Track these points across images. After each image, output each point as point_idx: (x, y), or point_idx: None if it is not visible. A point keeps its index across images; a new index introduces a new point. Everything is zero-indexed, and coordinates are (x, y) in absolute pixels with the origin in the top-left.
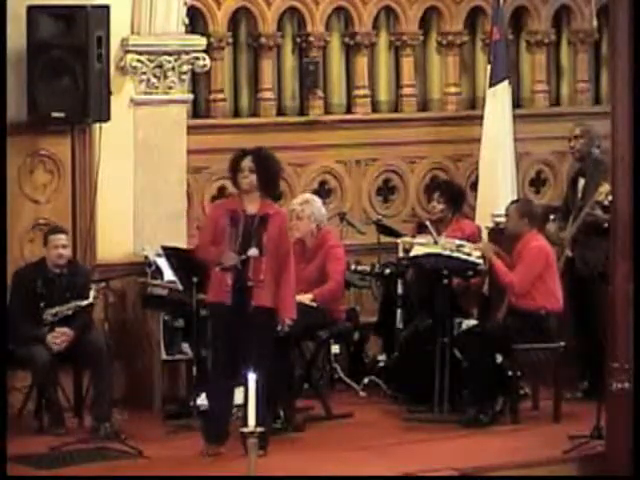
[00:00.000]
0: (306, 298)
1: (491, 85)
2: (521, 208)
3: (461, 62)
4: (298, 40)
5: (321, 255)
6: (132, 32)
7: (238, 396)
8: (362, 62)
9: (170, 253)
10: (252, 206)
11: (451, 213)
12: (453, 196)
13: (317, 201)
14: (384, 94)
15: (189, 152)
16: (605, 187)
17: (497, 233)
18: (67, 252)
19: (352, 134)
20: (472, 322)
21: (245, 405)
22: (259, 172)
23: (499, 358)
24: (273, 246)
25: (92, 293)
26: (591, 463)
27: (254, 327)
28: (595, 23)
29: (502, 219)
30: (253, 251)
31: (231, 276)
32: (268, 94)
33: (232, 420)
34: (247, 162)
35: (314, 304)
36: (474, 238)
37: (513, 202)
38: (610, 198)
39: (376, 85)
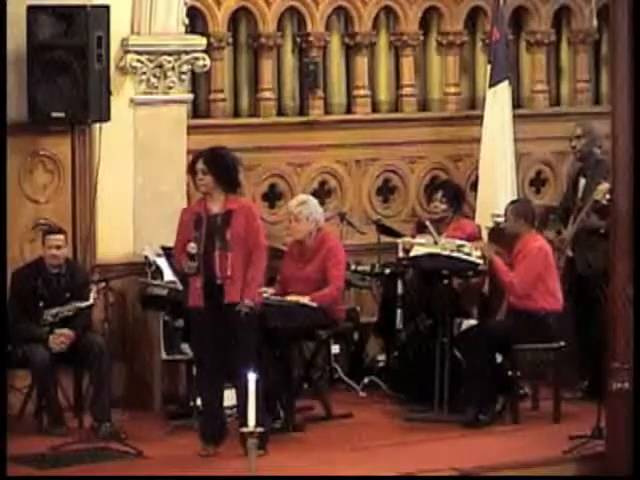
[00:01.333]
0: (305, 301)
1: (491, 85)
2: (518, 209)
3: (461, 62)
4: (298, 40)
5: (321, 256)
6: (132, 32)
7: (230, 397)
8: (362, 62)
9: (170, 253)
10: (216, 205)
11: (452, 213)
12: (455, 196)
13: (313, 201)
14: (384, 94)
15: (189, 152)
16: (604, 186)
17: (497, 233)
18: (62, 253)
19: (352, 134)
20: (472, 322)
21: (240, 405)
22: (212, 172)
23: (499, 358)
24: (239, 241)
25: (92, 294)
26: (591, 463)
27: (231, 324)
28: (595, 23)
29: (502, 219)
30: (190, 246)
31: (200, 279)
32: (268, 94)
33: (228, 420)
34: (199, 164)
35: (314, 304)
36: (474, 238)
37: (511, 203)
38: (608, 197)
39: (376, 85)
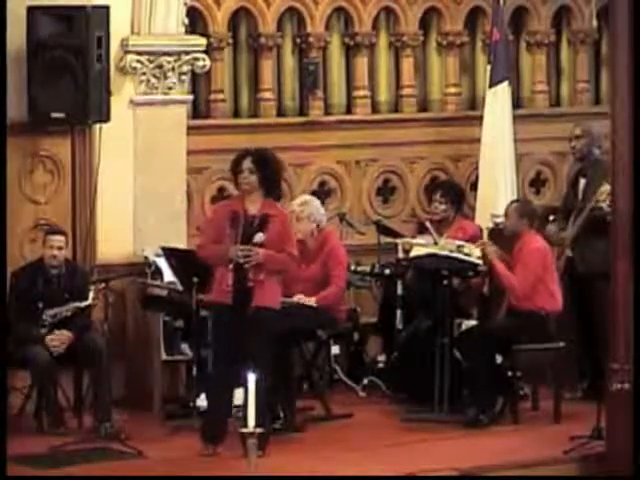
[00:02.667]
0: (308, 302)
1: (491, 85)
2: (521, 208)
3: (461, 62)
4: (298, 40)
5: (322, 256)
6: (132, 32)
7: (238, 397)
8: (362, 62)
9: (170, 253)
10: (253, 206)
11: (453, 213)
12: (455, 196)
13: (315, 201)
14: (384, 94)
15: (189, 152)
16: (606, 187)
17: (497, 233)
18: (62, 254)
19: (352, 134)
20: (472, 322)
21: (245, 405)
22: (259, 172)
23: (499, 358)
24: (273, 247)
25: (91, 294)
26: (591, 463)
27: (254, 327)
28: (595, 23)
29: (502, 219)
30: (259, 237)
31: (232, 276)
32: (268, 94)
33: (232, 420)
34: (247, 163)
35: (314, 304)
36: (476, 238)
37: (513, 202)
38: (611, 199)
39: (376, 85)
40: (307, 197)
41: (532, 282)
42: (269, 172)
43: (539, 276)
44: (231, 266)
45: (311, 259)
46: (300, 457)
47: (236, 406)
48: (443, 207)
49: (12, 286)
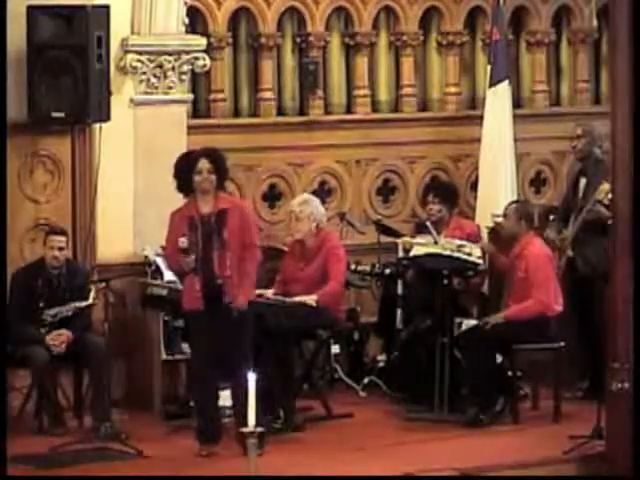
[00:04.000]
0: (309, 300)
1: (491, 85)
2: (520, 210)
3: (461, 62)
4: (298, 40)
5: (322, 256)
6: (132, 32)
7: (226, 398)
8: (362, 62)
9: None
10: (207, 206)
11: (447, 211)
12: (447, 194)
13: (315, 201)
14: (384, 94)
15: None
16: (606, 186)
17: (497, 233)
18: (63, 254)
19: (352, 134)
20: (472, 322)
21: (237, 406)
22: (217, 171)
23: (499, 358)
24: (235, 240)
25: (91, 294)
26: (591, 463)
27: (230, 324)
28: (595, 23)
29: (501, 219)
30: (181, 241)
31: (199, 280)
32: (268, 94)
33: (227, 421)
34: (204, 163)
35: (314, 304)
36: (474, 237)
37: (511, 203)
38: (610, 197)
39: (376, 85)
40: (306, 196)
41: (552, 288)
42: (225, 169)
43: (554, 280)
44: (191, 266)
45: (310, 258)
46: (300, 457)
47: (228, 407)
48: (438, 207)
49: (13, 286)
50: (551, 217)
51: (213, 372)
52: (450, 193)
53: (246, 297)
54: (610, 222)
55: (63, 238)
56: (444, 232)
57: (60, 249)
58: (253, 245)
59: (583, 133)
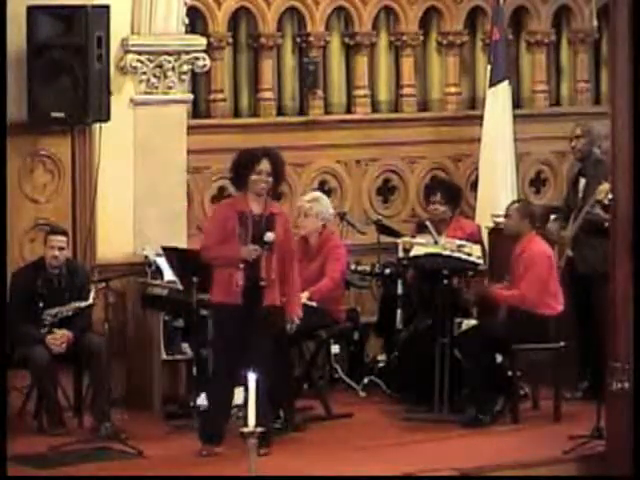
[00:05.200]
0: (303, 296)
1: (491, 85)
2: (523, 209)
3: (461, 62)
4: (298, 40)
5: (323, 254)
6: (132, 32)
7: (238, 396)
8: (362, 62)
9: (170, 253)
10: (258, 206)
11: (451, 212)
12: (452, 195)
13: (326, 200)
14: (384, 94)
15: (189, 152)
16: (605, 186)
17: (497, 233)
18: (63, 254)
19: (352, 134)
20: (472, 322)
21: (245, 405)
22: (275, 175)
23: (499, 358)
24: (280, 245)
25: (91, 294)
26: (591, 463)
27: (263, 326)
28: (595, 23)
29: (502, 219)
30: (269, 236)
31: (242, 275)
32: (268, 94)
33: (232, 420)
34: (265, 164)
35: (314, 304)
36: (474, 237)
37: (513, 202)
38: (610, 197)
39: (376, 85)
40: (317, 194)
41: (541, 287)
42: (283, 175)
43: (545, 281)
44: (242, 265)
45: (312, 257)
46: (300, 457)
47: (236, 405)
48: (443, 209)
49: (13, 286)
50: (552, 216)
51: (235, 371)
52: (455, 194)
53: (298, 312)
54: (607, 225)
55: (64, 238)
56: (445, 232)
57: (60, 249)
58: (293, 255)
59: (582, 133)
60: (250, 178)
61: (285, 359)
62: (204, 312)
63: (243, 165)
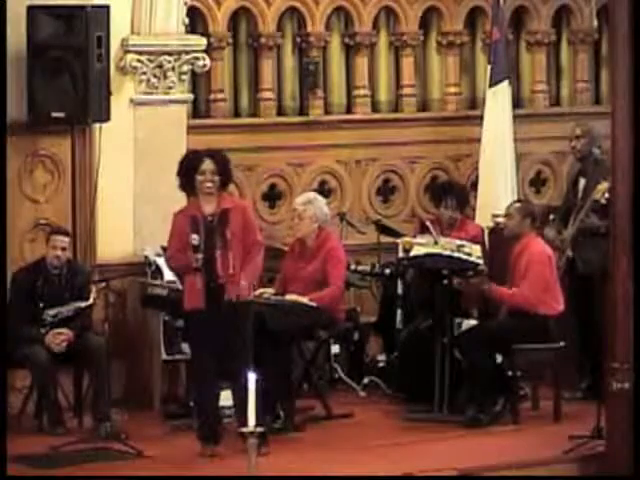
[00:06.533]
0: (307, 301)
1: (491, 85)
2: (524, 209)
3: (461, 62)
4: (298, 40)
5: (321, 256)
6: (132, 32)
7: (227, 397)
8: (362, 62)
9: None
10: (210, 206)
11: (459, 216)
12: (463, 199)
13: (320, 201)
14: (384, 94)
15: None
16: (603, 185)
17: (497, 233)
18: (65, 255)
19: (352, 134)
20: (472, 322)
21: (238, 405)
22: (221, 173)
23: (499, 358)
24: (238, 239)
25: (92, 294)
26: (591, 463)
27: (231, 323)
28: (595, 23)
29: (502, 219)
30: (193, 238)
31: (200, 279)
32: (268, 94)
33: (228, 420)
34: (209, 164)
35: (314, 304)
36: (478, 239)
37: (514, 203)
38: (607, 196)
39: (376, 85)
40: (311, 195)
41: (543, 287)
42: (229, 170)
43: (546, 281)
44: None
45: (310, 258)
46: (300, 457)
47: (229, 407)
48: (454, 213)
49: (13, 286)
50: (551, 217)
51: (214, 372)
52: (465, 197)
53: (247, 280)
54: (603, 231)
55: (66, 238)
56: (451, 234)
57: (63, 249)
58: (257, 242)
59: (582, 133)
60: (196, 179)
61: (283, 358)
62: None
63: (187, 167)
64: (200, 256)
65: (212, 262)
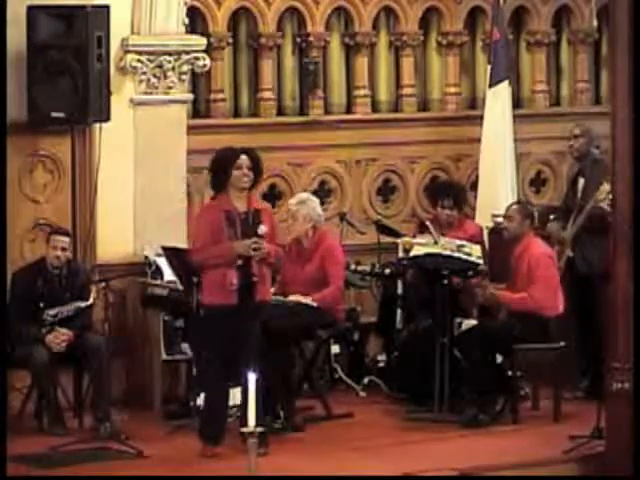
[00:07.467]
0: (305, 301)
1: (491, 85)
2: (524, 210)
3: (461, 62)
4: (298, 40)
5: (318, 256)
6: (132, 32)
7: (235, 396)
8: (362, 62)
9: (170, 253)
10: (241, 203)
11: (458, 215)
12: (460, 198)
13: (313, 201)
14: (384, 94)
15: (189, 152)
16: (606, 187)
17: (497, 233)
18: (65, 255)
19: (352, 134)
20: (472, 322)
21: (244, 405)
22: (255, 170)
23: (499, 358)
24: (268, 240)
25: (92, 294)
26: (591, 463)
27: (255, 323)
28: (595, 23)
29: (502, 219)
30: (262, 229)
31: (236, 275)
32: (268, 94)
33: (231, 420)
34: (245, 161)
35: (314, 304)
36: (477, 239)
37: (513, 204)
38: (611, 197)
39: (376, 85)
40: (304, 196)
41: (548, 290)
42: (261, 170)
43: (552, 282)
44: (240, 262)
45: (307, 258)
46: (300, 457)
47: (234, 406)
48: (453, 213)
49: (13, 286)
50: (551, 216)
51: (228, 371)
52: (462, 197)
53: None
54: (610, 220)
55: (67, 239)
56: (450, 234)
57: (63, 249)
58: (280, 247)
59: (581, 133)
60: (232, 174)
61: (283, 358)
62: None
63: (223, 162)
64: (264, 248)
65: (248, 259)
